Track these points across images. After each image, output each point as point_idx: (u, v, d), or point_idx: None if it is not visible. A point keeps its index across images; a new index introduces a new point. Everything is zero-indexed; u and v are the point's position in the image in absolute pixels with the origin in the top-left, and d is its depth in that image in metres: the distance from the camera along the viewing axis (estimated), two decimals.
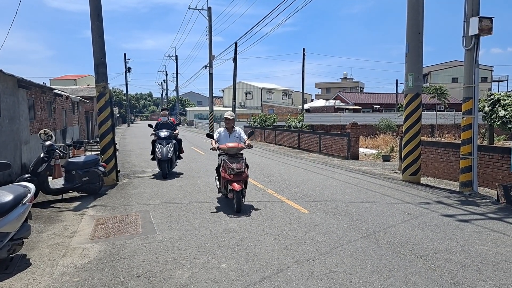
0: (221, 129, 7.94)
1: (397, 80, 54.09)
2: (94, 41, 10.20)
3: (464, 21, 8.93)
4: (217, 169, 7.67)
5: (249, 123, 33.06)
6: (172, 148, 11.01)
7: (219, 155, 7.70)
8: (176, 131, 11.85)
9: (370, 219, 6.63)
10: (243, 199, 7.19)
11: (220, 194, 8.03)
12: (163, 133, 11.26)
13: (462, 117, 9.16)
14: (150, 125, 12.40)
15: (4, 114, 9.99)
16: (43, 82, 20.29)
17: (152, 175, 11.63)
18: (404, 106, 10.68)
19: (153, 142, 11.48)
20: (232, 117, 7.84)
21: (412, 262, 4.69)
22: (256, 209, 7.29)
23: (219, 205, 7.66)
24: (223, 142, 7.61)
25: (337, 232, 5.86)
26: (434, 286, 4.04)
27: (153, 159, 11.70)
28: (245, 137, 7.90)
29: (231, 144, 7.36)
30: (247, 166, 7.31)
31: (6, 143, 10.05)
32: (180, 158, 12.30)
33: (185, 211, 7.21)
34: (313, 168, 13.28)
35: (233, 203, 7.19)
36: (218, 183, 7.88)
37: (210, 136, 7.94)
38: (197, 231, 5.95)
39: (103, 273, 4.41)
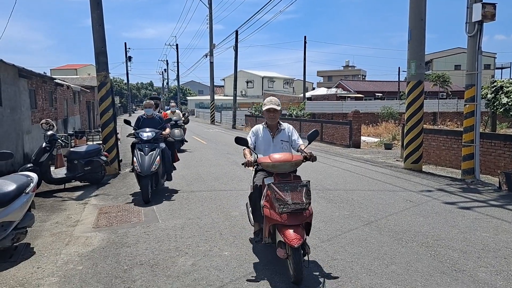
0: (259, 127, 4.72)
1: (399, 67, 53.81)
2: (95, 30, 10.13)
3: (467, 7, 8.84)
4: (252, 196, 4.42)
5: (250, 112, 33.00)
6: (158, 157, 7.28)
7: (257, 171, 4.55)
8: (166, 131, 8.07)
9: (372, 207, 6.64)
10: (306, 257, 3.93)
11: (257, 236, 4.47)
12: (146, 133, 7.50)
13: (465, 105, 9.12)
14: (127, 122, 7.93)
15: (5, 104, 9.99)
16: (44, 72, 20.20)
17: None
18: (406, 93, 10.64)
19: (133, 147, 7.78)
20: (278, 107, 4.54)
21: (414, 249, 4.71)
22: None
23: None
24: (263, 151, 4.54)
25: (339, 220, 5.88)
26: (435, 272, 4.06)
27: (133, 170, 7.61)
28: (300, 140, 4.66)
29: (278, 156, 4.11)
30: (308, 194, 3.84)
31: (8, 133, 10.07)
32: (173, 169, 8.52)
33: (187, 200, 7.24)
34: None
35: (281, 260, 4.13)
36: (252, 217, 4.62)
37: (241, 141, 4.37)
38: (199, 220, 5.98)
39: (107, 261, 4.45)
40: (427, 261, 4.35)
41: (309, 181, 3.92)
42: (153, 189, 7.43)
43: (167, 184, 8.58)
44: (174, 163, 8.64)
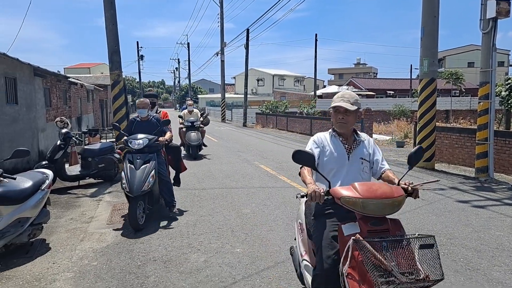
0: (324, 136, 3.05)
1: (411, 65, 53.39)
2: (108, 29, 10.23)
3: (481, 4, 8.74)
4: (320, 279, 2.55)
5: (261, 110, 33.03)
6: (152, 171, 5.62)
7: (318, 216, 2.77)
8: (167, 136, 6.26)
9: None
10: None
11: None
12: (137, 140, 5.78)
13: (479, 102, 9.02)
14: (115, 127, 7.13)
15: (21, 103, 10.17)
16: (58, 71, 20.47)
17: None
18: (418, 91, 10.55)
19: (123, 158, 6.36)
20: (352, 107, 2.86)
21: None
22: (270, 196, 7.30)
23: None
24: (331, 172, 2.90)
25: None
26: (449, 271, 4.04)
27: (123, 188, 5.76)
28: (386, 163, 3.08)
29: (370, 188, 2.48)
30: (436, 259, 2.27)
31: (24, 131, 10.24)
32: (177, 184, 7.10)
33: (199, 197, 7.29)
34: None
35: None
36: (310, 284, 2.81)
37: (303, 157, 2.63)
38: (211, 217, 6.03)
39: (120, 257, 4.51)
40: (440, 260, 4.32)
41: (432, 236, 2.30)
42: (146, 213, 5.69)
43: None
44: (179, 175, 7.19)
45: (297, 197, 2.72)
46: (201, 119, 12.96)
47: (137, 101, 6.42)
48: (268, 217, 5.94)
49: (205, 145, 13.31)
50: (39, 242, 5.01)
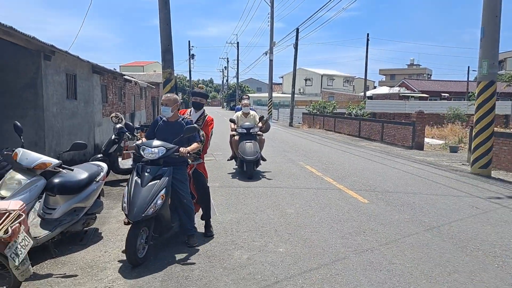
0: None
1: (468, 67, 50.79)
2: (162, 29, 10.59)
3: None
4: None
5: (308, 110, 32.79)
6: (161, 191, 4.26)
7: None
8: (191, 147, 4.64)
9: (434, 211, 6.36)
10: None
11: None
12: (152, 149, 4.43)
13: None
14: (129, 127, 5.98)
15: (80, 98, 10.74)
16: (114, 68, 21.43)
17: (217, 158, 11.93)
18: (476, 94, 10.03)
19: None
20: None
21: (479, 259, 4.45)
22: (314, 196, 7.25)
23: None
24: None
25: (399, 224, 5.69)
26: (503, 284, 3.82)
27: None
28: None
29: None
30: None
31: (82, 125, 10.81)
32: (209, 236, 5.15)
33: (243, 195, 7.36)
34: (374, 157, 12.93)
35: None
36: None
37: None
38: (255, 215, 6.07)
39: (167, 250, 4.65)
40: (493, 272, 4.10)
41: None
42: (150, 244, 4.37)
43: (224, 180, 8.44)
44: (209, 219, 5.35)
45: None
46: (260, 124, 9.66)
47: (163, 97, 4.89)
48: (313, 218, 5.90)
49: (264, 159, 9.93)
50: (92, 231, 5.27)
